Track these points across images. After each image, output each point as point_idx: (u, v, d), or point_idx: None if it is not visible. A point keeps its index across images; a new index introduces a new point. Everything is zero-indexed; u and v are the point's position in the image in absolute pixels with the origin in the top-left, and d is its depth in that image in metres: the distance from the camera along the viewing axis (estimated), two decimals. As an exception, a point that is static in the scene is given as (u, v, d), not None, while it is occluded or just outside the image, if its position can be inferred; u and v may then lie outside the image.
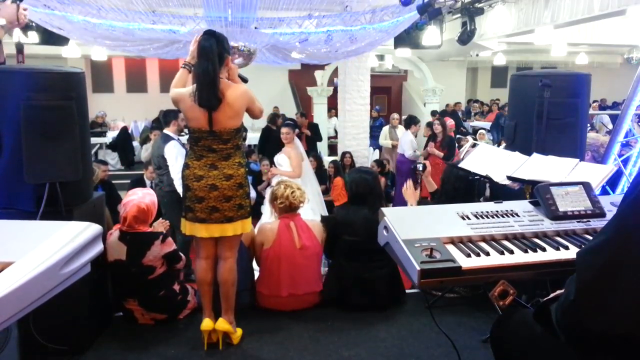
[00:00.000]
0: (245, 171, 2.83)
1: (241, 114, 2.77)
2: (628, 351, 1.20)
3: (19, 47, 3.08)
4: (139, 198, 3.20)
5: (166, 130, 4.72)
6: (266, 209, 5.53)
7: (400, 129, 9.15)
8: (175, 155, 4.44)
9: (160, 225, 3.35)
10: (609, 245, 1.21)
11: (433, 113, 11.32)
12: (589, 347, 1.26)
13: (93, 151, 9.61)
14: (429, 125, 8.09)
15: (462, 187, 3.45)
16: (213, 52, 2.64)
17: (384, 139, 9.28)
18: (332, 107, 12.54)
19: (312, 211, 5.13)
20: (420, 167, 4.00)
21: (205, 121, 2.68)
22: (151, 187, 6.06)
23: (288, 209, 3.44)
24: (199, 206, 2.75)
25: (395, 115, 9.50)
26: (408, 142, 8.01)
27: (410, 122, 8.66)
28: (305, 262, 3.39)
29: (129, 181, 7.43)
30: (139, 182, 6.17)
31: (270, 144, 9.19)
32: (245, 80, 3.01)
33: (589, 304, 1.22)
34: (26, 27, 4.33)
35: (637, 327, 1.17)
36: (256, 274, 3.56)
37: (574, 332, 1.27)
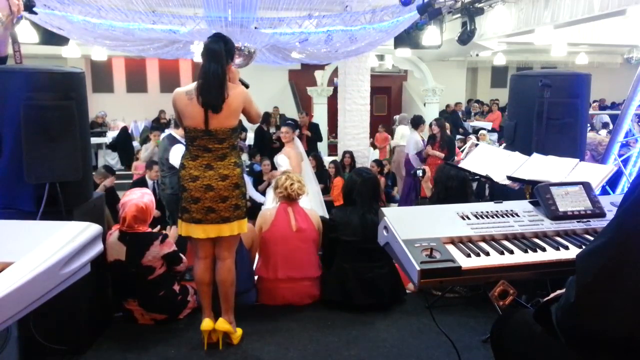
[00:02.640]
0: (241, 171, 2.81)
1: (237, 114, 2.75)
2: (629, 353, 1.20)
3: (13, 37, 3.04)
4: (138, 198, 3.21)
5: (174, 132, 4.69)
6: (267, 203, 5.55)
7: (405, 129, 9.23)
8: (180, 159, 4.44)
9: (171, 235, 3.36)
10: (609, 247, 1.21)
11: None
12: (590, 348, 1.26)
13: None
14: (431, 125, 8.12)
15: (454, 187, 3.45)
16: (222, 55, 2.65)
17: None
18: (331, 109, 12.57)
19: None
20: (419, 172, 4.00)
21: (201, 120, 2.68)
22: (154, 187, 6.08)
23: (286, 198, 3.54)
24: (194, 207, 2.75)
25: None
26: (413, 143, 8.01)
27: (419, 122, 8.69)
28: (301, 245, 3.45)
29: (128, 181, 7.43)
30: (141, 183, 6.17)
31: (264, 143, 9.23)
32: (246, 86, 3.02)
33: (590, 306, 1.21)
34: (30, 8, 4.27)
35: (638, 329, 1.17)
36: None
37: (574, 334, 1.27)
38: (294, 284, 3.42)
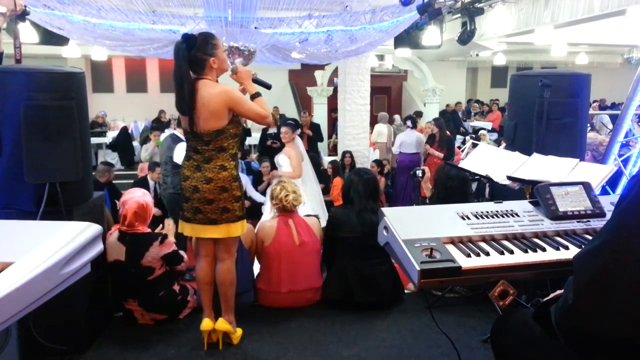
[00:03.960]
0: (230, 174, 2.71)
1: (219, 116, 2.65)
2: (628, 353, 1.20)
3: (16, 34, 3.08)
4: (138, 196, 3.23)
5: (177, 131, 4.74)
6: (266, 209, 5.55)
7: (383, 127, 9.37)
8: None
9: (167, 229, 3.36)
10: (606, 248, 1.21)
11: (418, 114, 11.07)
12: (589, 349, 1.26)
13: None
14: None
15: (454, 187, 3.45)
16: (179, 57, 2.62)
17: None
18: (332, 108, 12.56)
19: (312, 211, 5.14)
20: (419, 173, 4.00)
21: (187, 122, 2.70)
22: (155, 188, 6.08)
23: (282, 209, 3.49)
24: (186, 205, 2.78)
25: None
26: (422, 140, 8.06)
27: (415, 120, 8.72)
28: (304, 258, 3.42)
29: (128, 181, 7.43)
30: (142, 184, 6.17)
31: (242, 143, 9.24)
32: (267, 87, 2.99)
33: (588, 307, 1.22)
34: (23, 14, 4.30)
35: (636, 329, 1.17)
36: (256, 271, 3.57)
37: (573, 335, 1.27)
38: (296, 295, 3.40)
